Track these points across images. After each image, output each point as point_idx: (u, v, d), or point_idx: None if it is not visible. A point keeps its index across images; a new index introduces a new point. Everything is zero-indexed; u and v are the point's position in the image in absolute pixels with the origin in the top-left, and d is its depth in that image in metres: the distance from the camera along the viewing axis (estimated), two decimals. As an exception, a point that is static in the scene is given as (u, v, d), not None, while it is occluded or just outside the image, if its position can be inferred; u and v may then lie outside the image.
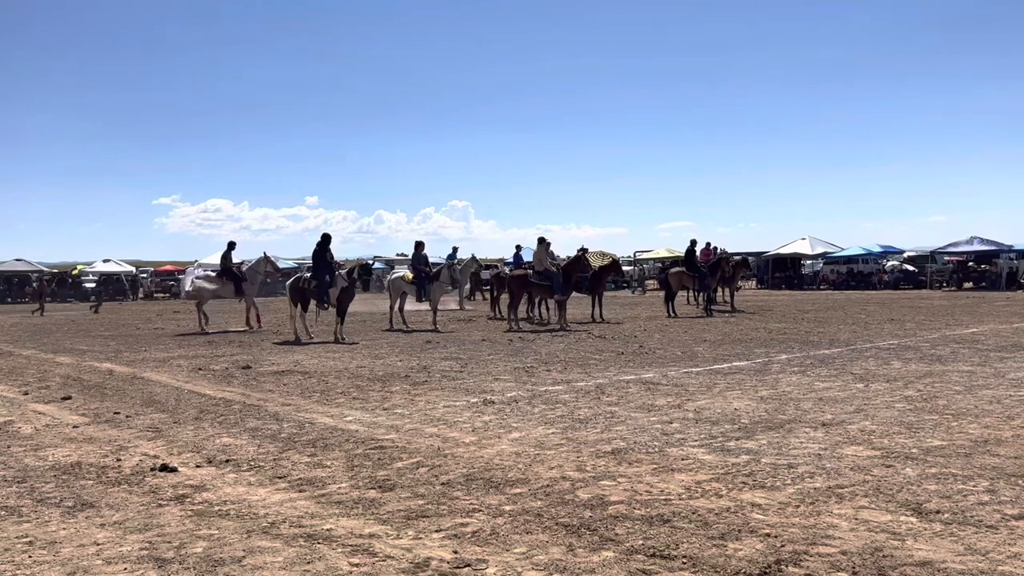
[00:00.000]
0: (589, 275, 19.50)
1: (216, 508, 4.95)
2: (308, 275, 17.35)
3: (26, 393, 9.91)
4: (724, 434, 6.69)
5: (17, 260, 47.07)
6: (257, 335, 17.95)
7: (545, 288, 19.15)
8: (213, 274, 20.71)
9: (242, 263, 21.00)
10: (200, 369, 11.86)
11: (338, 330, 16.29)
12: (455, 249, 27.31)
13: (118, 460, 6.26)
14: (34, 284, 45.37)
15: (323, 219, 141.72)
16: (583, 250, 20.16)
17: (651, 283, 38.17)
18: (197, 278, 20.85)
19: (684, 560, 3.91)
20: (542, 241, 19.64)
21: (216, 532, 4.49)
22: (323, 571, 3.89)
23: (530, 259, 22.01)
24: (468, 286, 21.46)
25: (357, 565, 3.96)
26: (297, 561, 4.03)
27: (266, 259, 20.14)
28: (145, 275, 53.22)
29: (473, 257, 19.85)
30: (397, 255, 58.94)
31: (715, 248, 26.71)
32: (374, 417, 7.78)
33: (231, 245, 20.59)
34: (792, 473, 5.42)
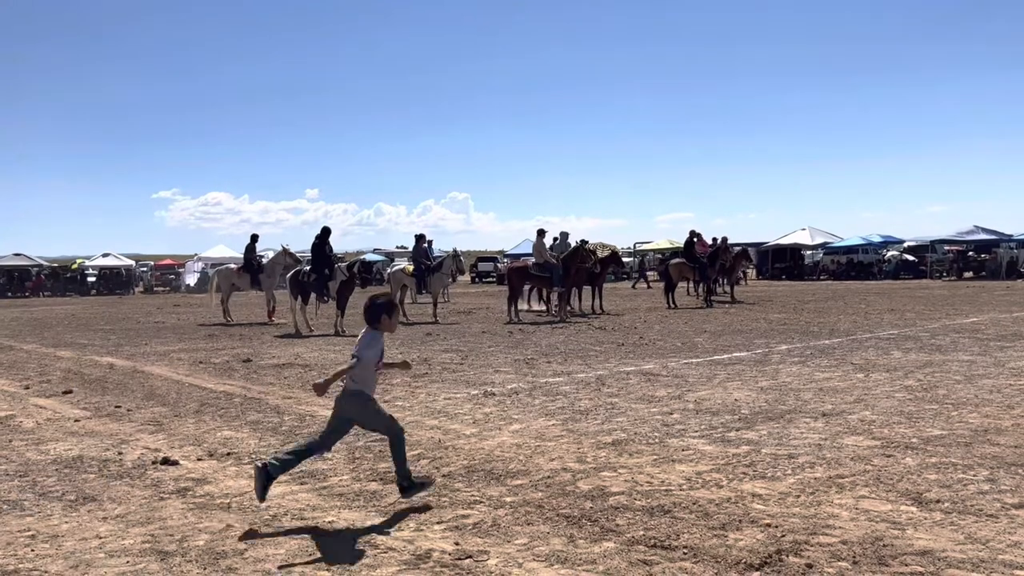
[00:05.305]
0: (591, 266, 19.44)
1: (218, 501, 4.96)
2: (308, 268, 17.35)
3: (27, 387, 9.91)
4: (724, 425, 6.70)
5: (16, 254, 47.00)
6: (258, 328, 17.97)
7: (545, 280, 19.16)
8: (235, 267, 20.94)
9: (262, 256, 21.31)
10: (201, 362, 11.87)
11: (338, 323, 16.30)
12: (419, 237, 20.92)
13: (120, 454, 6.27)
14: (33, 279, 45.44)
15: (323, 212, 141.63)
16: (583, 242, 20.15)
17: (652, 274, 37.94)
18: (219, 271, 21.41)
19: (685, 550, 3.92)
20: (541, 233, 19.62)
21: (218, 525, 4.50)
22: (325, 563, 3.90)
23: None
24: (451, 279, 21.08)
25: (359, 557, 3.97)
26: (299, 553, 4.04)
27: (286, 252, 20.17)
28: (145, 268, 53.17)
29: (455, 251, 19.83)
30: (397, 248, 59.00)
31: (714, 238, 26.70)
32: (375, 409, 7.79)
33: (254, 238, 20.95)
34: (792, 463, 5.43)
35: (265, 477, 4.59)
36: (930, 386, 8.29)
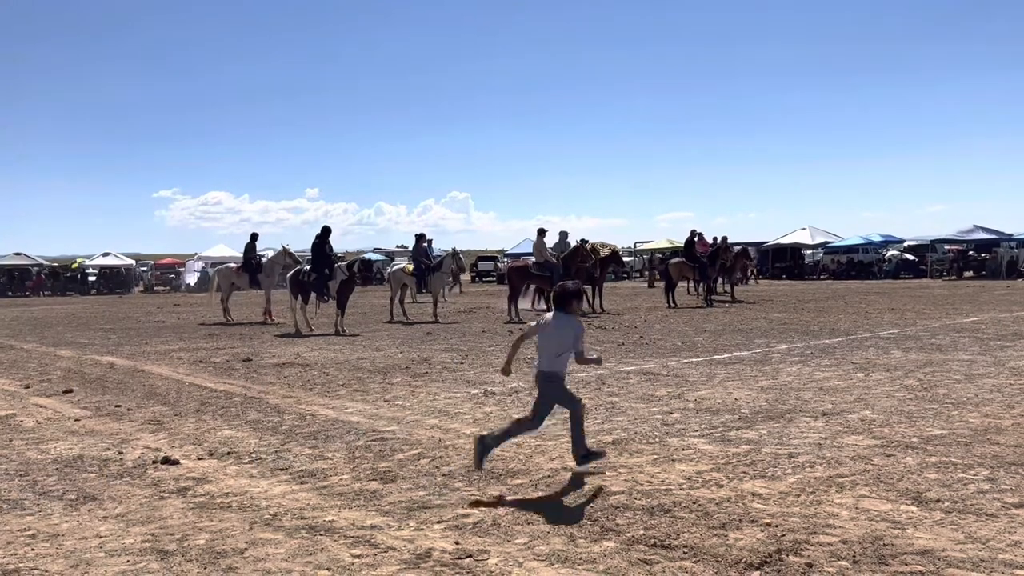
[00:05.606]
0: (591, 266, 19.45)
1: (218, 500, 4.96)
2: (308, 268, 17.35)
3: (28, 387, 9.92)
4: (725, 424, 6.70)
5: (17, 254, 47.00)
6: (258, 327, 17.97)
7: (545, 279, 19.16)
8: (234, 266, 20.98)
9: (262, 255, 21.35)
10: (201, 362, 11.87)
11: (339, 322, 16.30)
12: (419, 236, 20.23)
13: (120, 453, 6.27)
14: (33, 278, 45.46)
15: (323, 211, 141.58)
16: (583, 241, 20.16)
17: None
18: (219, 270, 21.51)
19: (685, 550, 3.92)
20: (541, 232, 19.62)
21: (218, 524, 4.50)
22: (325, 562, 3.90)
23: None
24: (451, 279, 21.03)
25: (359, 556, 3.97)
26: (299, 553, 4.04)
27: (286, 252, 20.16)
28: (145, 268, 53.16)
29: (454, 250, 19.85)
30: (397, 247, 58.95)
31: (715, 237, 26.69)
32: (375, 409, 7.80)
33: (254, 237, 20.95)
34: (793, 463, 5.43)
35: (483, 448, 5.13)
36: (930, 385, 8.29)
